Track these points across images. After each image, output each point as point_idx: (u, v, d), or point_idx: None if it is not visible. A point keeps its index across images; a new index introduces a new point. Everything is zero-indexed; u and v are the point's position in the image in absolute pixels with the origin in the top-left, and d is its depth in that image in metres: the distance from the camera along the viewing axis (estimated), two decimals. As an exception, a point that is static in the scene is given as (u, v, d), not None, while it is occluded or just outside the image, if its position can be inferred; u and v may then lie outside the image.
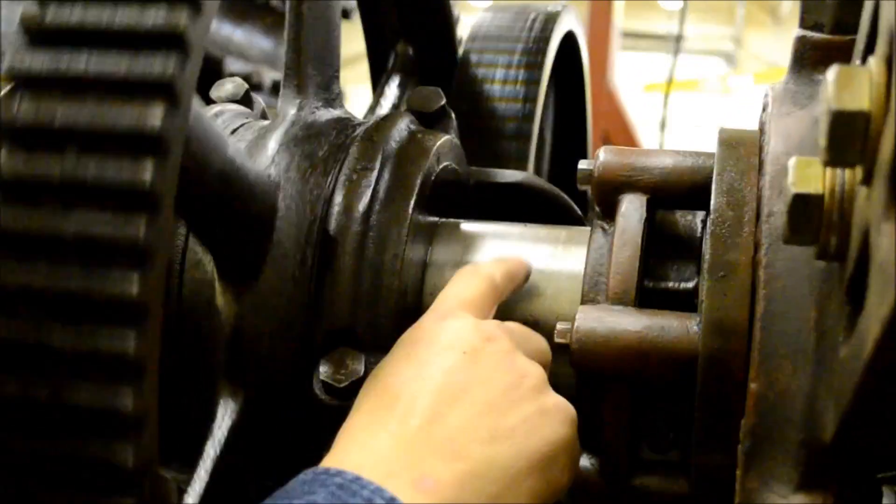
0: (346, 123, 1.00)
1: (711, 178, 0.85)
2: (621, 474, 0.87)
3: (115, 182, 0.63)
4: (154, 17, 0.66)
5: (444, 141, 1.02)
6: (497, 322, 0.86)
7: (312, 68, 1.03)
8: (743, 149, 0.86)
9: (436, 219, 1.02)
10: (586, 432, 0.85)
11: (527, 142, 1.33)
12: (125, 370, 0.63)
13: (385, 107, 1.31)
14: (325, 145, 0.95)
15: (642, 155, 0.94)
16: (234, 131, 1.00)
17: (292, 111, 1.00)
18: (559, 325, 0.87)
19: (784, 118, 0.82)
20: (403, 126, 1.00)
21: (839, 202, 0.61)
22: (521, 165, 1.32)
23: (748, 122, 0.94)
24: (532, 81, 1.35)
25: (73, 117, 0.64)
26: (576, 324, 0.85)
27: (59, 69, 0.65)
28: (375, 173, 0.93)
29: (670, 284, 0.90)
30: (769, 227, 0.77)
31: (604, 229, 0.92)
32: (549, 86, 1.40)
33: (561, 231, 1.03)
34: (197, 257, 0.92)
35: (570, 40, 1.51)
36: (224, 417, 0.88)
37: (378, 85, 1.36)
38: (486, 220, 1.05)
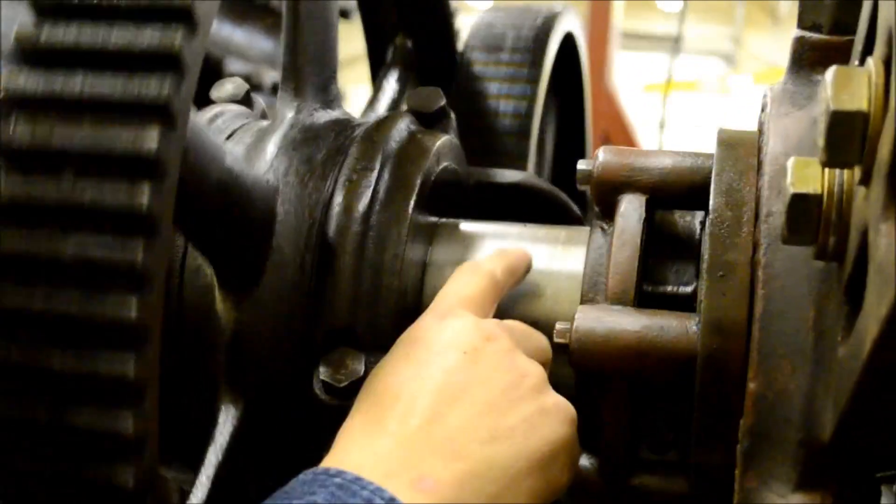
0: (344, 125, 1.00)
1: (710, 178, 0.86)
2: (620, 474, 0.88)
3: (112, 205, 0.63)
4: (149, 38, 0.65)
5: (444, 141, 1.02)
6: (497, 321, 0.86)
7: (310, 70, 1.03)
8: (742, 149, 0.86)
9: (435, 219, 1.02)
10: (586, 432, 0.85)
11: (526, 139, 1.33)
12: (125, 393, 0.63)
13: (384, 100, 1.31)
14: (323, 148, 0.95)
15: (641, 155, 0.94)
16: (232, 133, 1.00)
17: (290, 114, 1.00)
18: (558, 325, 0.87)
19: (783, 118, 0.82)
20: (403, 126, 1.00)
21: (837, 202, 0.61)
22: (521, 163, 1.32)
23: (747, 122, 0.94)
24: (532, 79, 1.35)
25: (70, 140, 0.64)
26: (575, 323, 0.85)
27: (55, 91, 0.65)
28: (375, 173, 0.93)
29: (669, 288, 0.90)
30: (768, 228, 0.77)
31: (603, 229, 0.93)
32: (549, 87, 1.40)
33: (560, 231, 1.03)
34: (197, 262, 0.91)
35: (569, 41, 1.51)
36: (225, 423, 0.88)
37: (377, 78, 1.36)
38: (486, 220, 1.05)
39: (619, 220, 0.90)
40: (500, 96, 1.36)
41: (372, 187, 0.93)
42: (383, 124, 0.99)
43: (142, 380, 0.64)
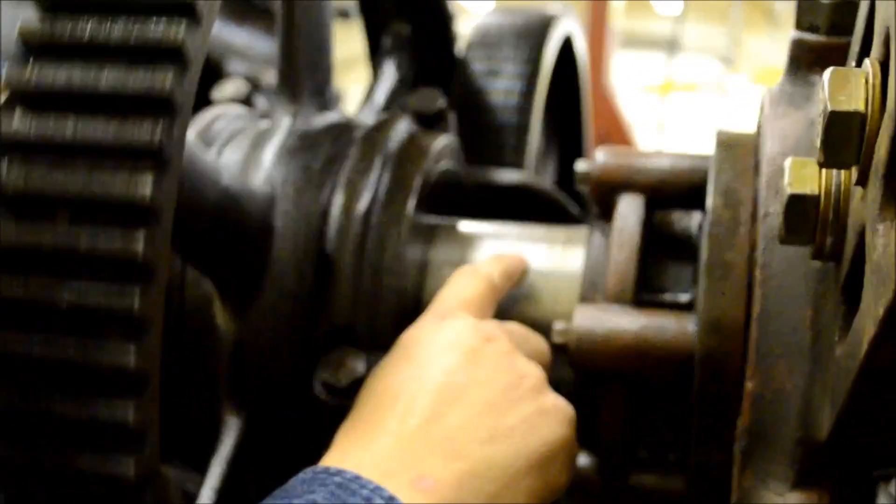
0: (341, 129, 1.00)
1: (708, 178, 0.86)
2: (619, 473, 0.88)
3: (107, 252, 0.62)
4: (140, 80, 0.64)
5: (444, 142, 1.02)
6: (496, 322, 0.86)
7: (305, 74, 1.02)
8: (739, 150, 0.86)
9: (435, 219, 1.02)
10: (585, 432, 0.85)
11: (524, 136, 1.33)
12: (126, 439, 0.63)
13: (382, 89, 1.30)
14: (320, 156, 0.95)
15: (640, 156, 0.94)
16: (230, 138, 1.00)
17: (287, 119, 1.00)
18: (557, 325, 0.87)
19: (780, 119, 0.83)
20: (403, 127, 1.00)
21: (835, 203, 0.61)
22: (519, 162, 1.33)
23: (746, 123, 0.94)
24: (531, 79, 1.36)
25: (63, 185, 0.63)
26: (573, 323, 0.85)
27: (46, 134, 0.64)
28: (375, 174, 0.94)
29: (667, 295, 0.90)
30: (765, 228, 0.78)
31: (602, 229, 0.93)
32: (548, 88, 1.41)
33: (559, 231, 1.03)
34: (196, 273, 0.92)
35: (568, 42, 1.51)
36: (229, 434, 0.89)
37: (376, 66, 1.36)
38: (485, 221, 1.05)
39: (618, 220, 0.90)
40: (500, 95, 1.36)
41: (372, 188, 0.93)
42: (383, 125, 0.99)
43: (142, 424, 0.63)
